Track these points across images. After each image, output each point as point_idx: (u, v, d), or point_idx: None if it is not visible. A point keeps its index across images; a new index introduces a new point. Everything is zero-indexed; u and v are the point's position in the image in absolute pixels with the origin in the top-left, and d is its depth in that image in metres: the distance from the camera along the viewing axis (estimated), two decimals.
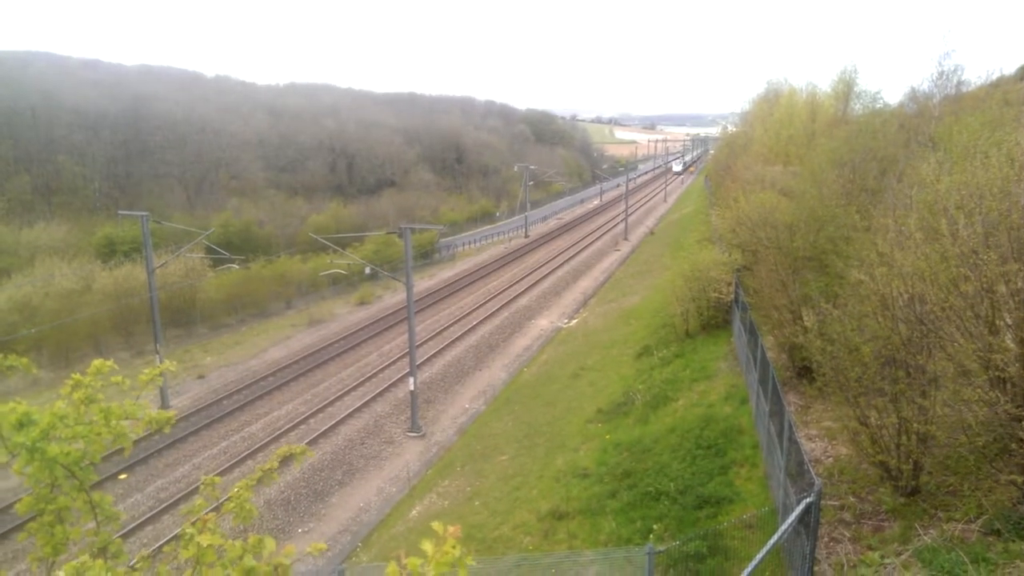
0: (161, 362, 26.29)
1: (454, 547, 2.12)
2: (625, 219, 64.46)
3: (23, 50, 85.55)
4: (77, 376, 3.03)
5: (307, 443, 22.67)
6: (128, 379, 3.23)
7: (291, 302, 44.23)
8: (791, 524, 7.81)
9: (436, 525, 2.20)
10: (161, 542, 17.48)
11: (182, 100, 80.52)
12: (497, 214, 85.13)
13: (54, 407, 2.77)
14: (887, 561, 8.10)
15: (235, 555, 2.62)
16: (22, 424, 2.67)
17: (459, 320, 37.27)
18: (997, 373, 7.80)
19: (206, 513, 2.83)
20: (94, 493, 2.90)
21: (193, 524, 2.72)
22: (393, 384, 28.11)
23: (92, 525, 2.89)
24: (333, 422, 24.44)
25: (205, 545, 2.53)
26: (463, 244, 65.34)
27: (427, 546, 2.17)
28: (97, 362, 3.10)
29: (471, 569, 2.17)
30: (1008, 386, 7.82)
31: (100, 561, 2.59)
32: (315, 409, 25.79)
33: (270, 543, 2.67)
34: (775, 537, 7.79)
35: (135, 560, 3.13)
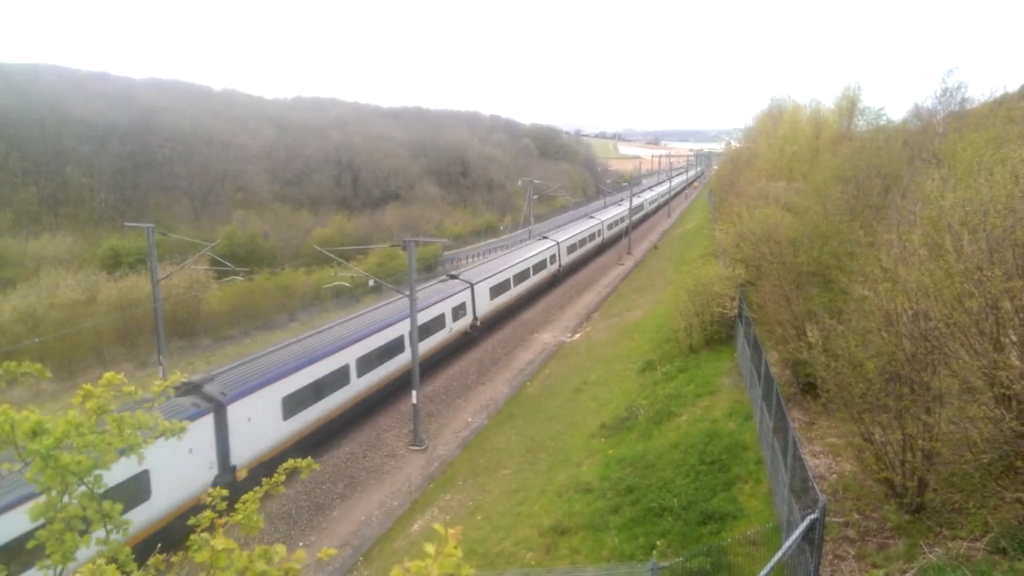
0: (165, 374, 26.36)
1: (456, 547, 2.16)
2: (628, 233, 64.58)
3: (32, 62, 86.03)
4: (88, 387, 3.07)
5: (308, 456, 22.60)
6: (141, 390, 3.27)
7: (295, 314, 44.30)
8: (795, 541, 7.78)
9: (438, 526, 2.26)
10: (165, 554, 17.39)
11: (190, 113, 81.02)
12: (501, 228, 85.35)
13: (68, 416, 2.80)
14: None
15: (244, 564, 2.64)
16: (36, 432, 2.71)
17: None
18: (1002, 390, 7.79)
19: (216, 519, 2.85)
20: (104, 502, 2.92)
21: (203, 532, 2.75)
22: (395, 397, 28.06)
23: (101, 533, 2.91)
24: (335, 435, 24.38)
25: (219, 549, 2.56)
26: (467, 257, 65.46)
27: (429, 547, 2.22)
28: (108, 374, 3.14)
29: None
30: (1013, 403, 7.81)
31: (112, 566, 2.61)
32: None
33: (281, 549, 2.70)
34: (779, 554, 7.75)
35: (144, 569, 3.15)
